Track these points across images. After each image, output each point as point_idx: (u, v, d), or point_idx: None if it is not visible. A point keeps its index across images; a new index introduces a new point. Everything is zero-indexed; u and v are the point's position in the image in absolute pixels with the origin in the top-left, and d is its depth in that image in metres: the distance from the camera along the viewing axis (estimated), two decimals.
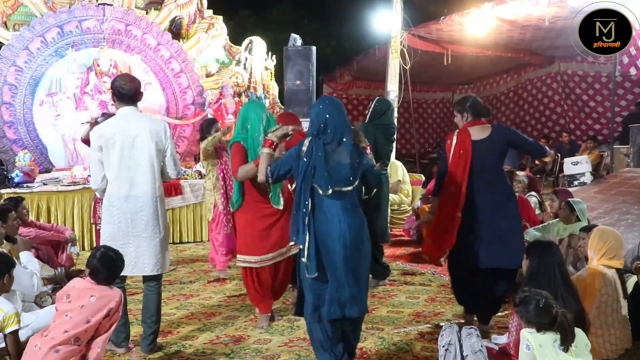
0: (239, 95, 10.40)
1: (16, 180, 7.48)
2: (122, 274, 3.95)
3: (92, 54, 9.42)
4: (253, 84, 10.64)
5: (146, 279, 4.08)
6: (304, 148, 3.49)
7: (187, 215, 7.91)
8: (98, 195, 4.12)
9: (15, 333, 3.29)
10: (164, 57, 9.90)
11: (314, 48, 10.07)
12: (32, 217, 6.36)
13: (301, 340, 4.21)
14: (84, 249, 7.04)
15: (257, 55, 10.87)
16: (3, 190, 7.08)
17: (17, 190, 7.16)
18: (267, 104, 10.51)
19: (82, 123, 8.31)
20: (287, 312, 4.87)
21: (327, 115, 3.49)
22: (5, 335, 3.30)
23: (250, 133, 4.37)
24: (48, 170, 8.82)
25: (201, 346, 4.18)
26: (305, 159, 3.45)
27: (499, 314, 4.63)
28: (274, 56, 11.10)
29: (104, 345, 3.25)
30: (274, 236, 4.44)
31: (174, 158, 4.09)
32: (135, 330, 4.25)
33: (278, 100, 10.89)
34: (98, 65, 9.43)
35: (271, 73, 11.06)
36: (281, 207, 4.41)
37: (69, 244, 5.72)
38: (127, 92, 3.95)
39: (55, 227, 6.07)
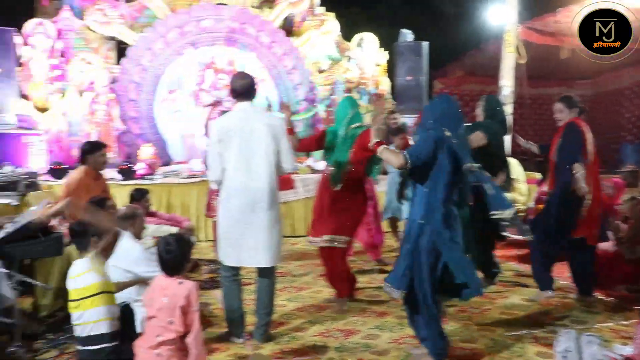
0: (350, 91, 10.46)
1: (140, 172, 7.94)
2: (239, 264, 4.11)
3: (210, 52, 9.81)
4: (364, 80, 10.66)
5: (260, 271, 4.19)
6: (439, 142, 3.53)
7: (298, 209, 8.05)
8: (215, 187, 4.27)
9: None
10: (277, 54, 10.13)
11: (425, 43, 9.96)
12: (153, 208, 6.71)
13: (411, 338, 4.19)
14: (200, 240, 7.35)
15: (368, 51, 10.87)
16: (128, 182, 7.53)
17: (140, 182, 7.60)
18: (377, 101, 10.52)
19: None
20: (397, 308, 4.88)
21: (444, 106, 3.64)
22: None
23: (336, 125, 4.93)
24: (168, 164, 9.28)
25: (311, 338, 4.26)
26: (447, 158, 3.51)
27: (623, 322, 4.42)
28: (385, 52, 11.07)
29: (196, 343, 3.22)
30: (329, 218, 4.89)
31: (290, 151, 4.20)
32: (249, 320, 4.38)
33: (390, 96, 10.83)
34: (215, 63, 9.80)
35: (382, 69, 11.03)
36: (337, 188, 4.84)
37: (189, 235, 5.99)
38: (244, 88, 4.13)
39: (174, 217, 6.39)
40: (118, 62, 9.57)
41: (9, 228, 4.35)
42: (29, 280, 3.98)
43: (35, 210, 4.57)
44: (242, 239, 4.04)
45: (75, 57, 9.30)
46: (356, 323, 4.57)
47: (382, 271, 6.15)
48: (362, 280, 5.27)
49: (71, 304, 3.55)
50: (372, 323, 4.56)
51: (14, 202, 6.46)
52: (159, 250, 3.38)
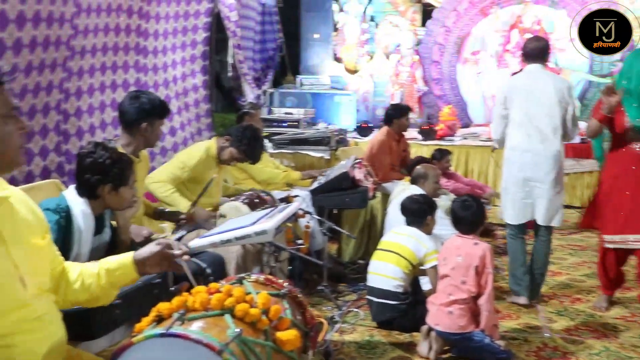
0: None
1: (440, 133, 8.12)
2: (518, 221, 4.11)
3: (516, 12, 9.45)
4: None
5: (538, 231, 4.19)
6: None
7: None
8: (497, 146, 4.40)
9: (435, 267, 3.62)
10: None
11: None
12: (452, 169, 6.77)
13: None
14: (496, 205, 7.23)
15: None
16: (428, 142, 7.75)
17: (441, 142, 7.76)
18: None
19: None
20: None
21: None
22: (427, 269, 3.70)
23: (633, 86, 3.88)
24: (467, 125, 9.28)
25: (612, 320, 3.97)
26: None
27: None
28: None
29: (488, 304, 3.24)
30: None
31: (574, 119, 4.08)
32: None
33: None
34: (521, 23, 9.42)
35: None
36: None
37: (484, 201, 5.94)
38: (532, 50, 4.18)
39: (474, 183, 6.37)
40: (423, 24, 9.78)
41: (322, 180, 4.84)
42: (337, 228, 4.38)
43: (344, 165, 4.99)
44: (523, 198, 4.09)
45: (383, 21, 9.77)
46: None
47: None
48: None
49: (376, 253, 3.85)
50: None
51: (326, 156, 7.09)
52: (455, 208, 3.48)
